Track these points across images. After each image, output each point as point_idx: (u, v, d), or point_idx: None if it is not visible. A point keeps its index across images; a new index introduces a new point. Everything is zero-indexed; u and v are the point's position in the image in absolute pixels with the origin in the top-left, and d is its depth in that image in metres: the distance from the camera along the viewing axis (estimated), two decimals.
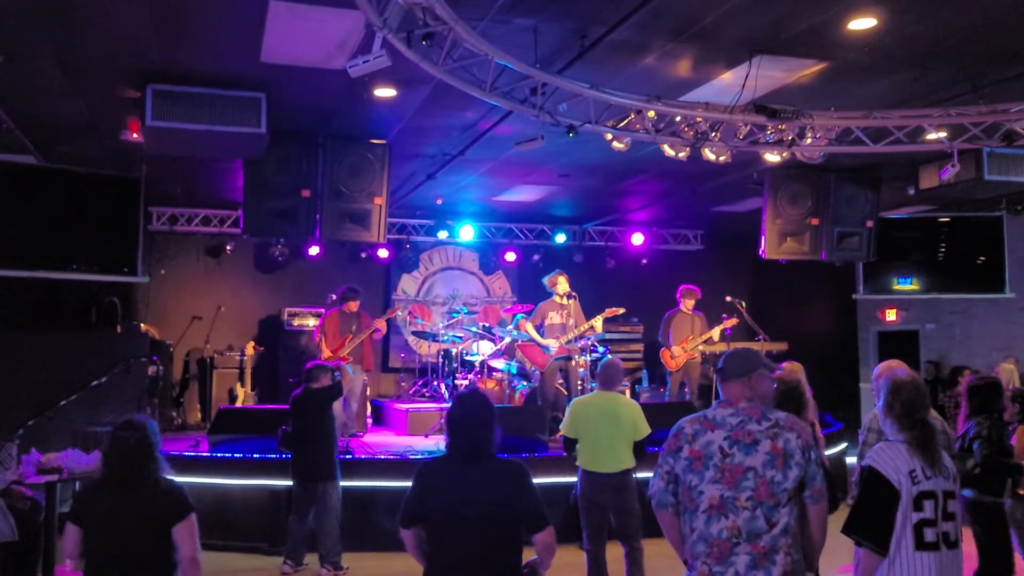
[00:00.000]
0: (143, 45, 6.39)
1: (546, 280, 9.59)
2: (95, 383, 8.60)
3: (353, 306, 9.68)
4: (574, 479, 7.72)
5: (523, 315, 10.26)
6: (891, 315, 12.91)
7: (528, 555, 3.39)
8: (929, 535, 3.28)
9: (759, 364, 3.36)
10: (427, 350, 12.65)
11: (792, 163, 8.29)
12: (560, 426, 6.04)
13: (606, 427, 5.72)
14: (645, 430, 5.77)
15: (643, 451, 5.82)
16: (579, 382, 9.48)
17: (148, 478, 3.66)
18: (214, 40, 6.39)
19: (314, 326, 11.96)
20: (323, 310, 11.20)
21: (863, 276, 12.50)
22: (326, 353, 9.43)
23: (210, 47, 6.51)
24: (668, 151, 7.40)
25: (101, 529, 3.60)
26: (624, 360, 12.68)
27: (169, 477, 3.82)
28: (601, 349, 10.33)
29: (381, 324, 9.73)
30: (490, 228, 14.05)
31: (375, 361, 10.47)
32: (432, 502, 3.34)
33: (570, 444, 5.88)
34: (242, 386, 11.39)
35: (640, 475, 5.76)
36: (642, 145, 7.53)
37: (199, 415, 11.91)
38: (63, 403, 8.28)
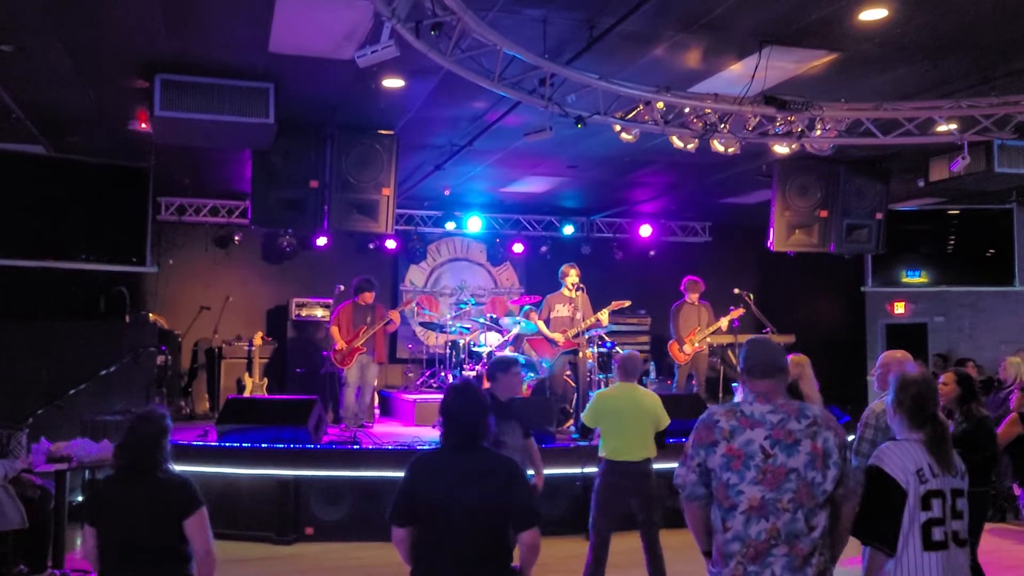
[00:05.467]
0: (152, 35, 6.39)
1: (560, 271, 9.59)
2: (104, 373, 8.64)
3: (368, 297, 9.68)
4: (580, 470, 7.83)
5: (530, 307, 10.26)
6: (899, 308, 12.87)
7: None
8: (937, 534, 3.24)
9: (784, 360, 3.26)
10: (434, 341, 12.67)
11: (801, 155, 8.25)
12: (581, 415, 6.21)
13: (630, 418, 5.88)
14: (666, 420, 5.96)
15: (664, 442, 5.99)
16: (587, 374, 9.48)
17: (156, 469, 3.66)
18: (222, 30, 6.38)
19: (322, 316, 12.03)
20: (331, 301, 11.23)
21: (872, 268, 12.46)
22: (340, 344, 9.47)
23: (218, 37, 6.51)
24: (677, 142, 7.38)
25: (113, 521, 3.61)
26: None
27: (177, 469, 3.81)
28: (608, 343, 10.34)
29: (395, 316, 9.73)
30: (498, 219, 14.03)
31: (386, 353, 10.46)
32: (424, 494, 3.33)
33: (586, 430, 6.13)
34: (250, 376, 11.43)
35: (660, 465, 6.00)
36: (651, 136, 7.51)
37: (207, 405, 11.97)
38: (72, 392, 8.31)
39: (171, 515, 3.59)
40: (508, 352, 10.46)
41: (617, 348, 10.51)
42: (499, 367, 5.38)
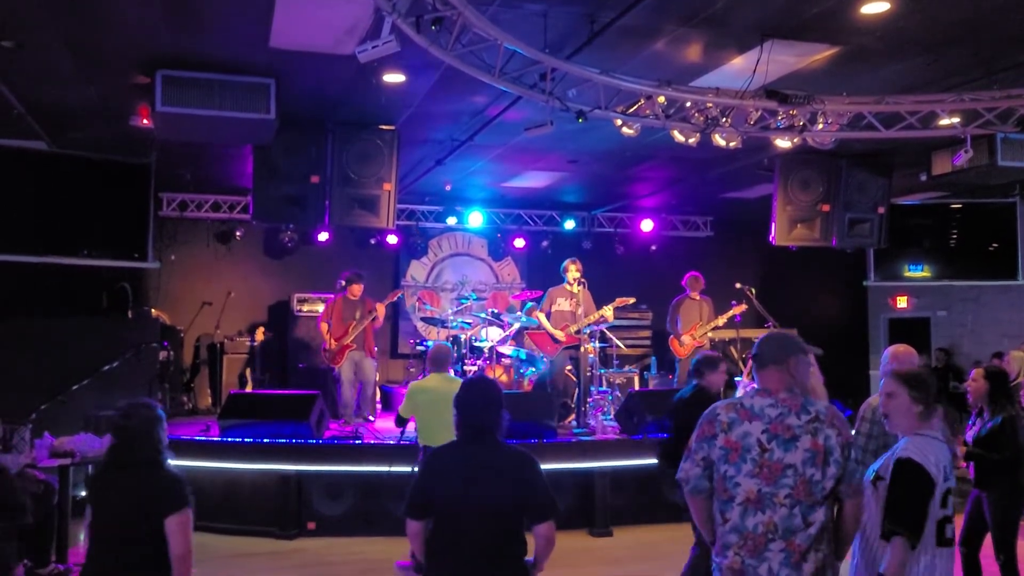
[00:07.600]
0: (153, 31, 6.39)
1: (562, 266, 9.58)
2: (107, 368, 8.66)
3: (356, 290, 9.56)
4: (583, 465, 7.86)
5: (533, 302, 10.25)
6: (902, 302, 12.86)
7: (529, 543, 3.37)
8: (948, 531, 3.25)
9: (797, 349, 3.25)
10: (436, 336, 12.68)
11: (803, 149, 8.24)
12: (400, 408, 6.46)
13: (446, 407, 5.93)
14: None
15: None
16: (589, 369, 9.47)
17: (146, 463, 3.60)
18: (223, 25, 6.38)
19: (319, 313, 12.03)
20: (332, 296, 11.24)
21: (874, 263, 12.46)
22: (329, 343, 9.42)
23: (219, 32, 6.51)
24: (678, 137, 7.37)
25: (101, 511, 3.60)
26: (632, 347, 12.75)
27: (174, 466, 3.75)
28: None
29: (380, 309, 9.60)
30: (499, 214, 14.03)
31: (375, 347, 10.32)
32: (439, 488, 3.33)
33: (401, 420, 6.48)
34: (252, 371, 11.46)
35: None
36: (652, 131, 7.50)
37: (209, 400, 11.99)
38: (75, 388, 8.34)
39: (154, 511, 3.50)
40: (510, 347, 10.47)
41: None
42: (706, 364, 5.62)
